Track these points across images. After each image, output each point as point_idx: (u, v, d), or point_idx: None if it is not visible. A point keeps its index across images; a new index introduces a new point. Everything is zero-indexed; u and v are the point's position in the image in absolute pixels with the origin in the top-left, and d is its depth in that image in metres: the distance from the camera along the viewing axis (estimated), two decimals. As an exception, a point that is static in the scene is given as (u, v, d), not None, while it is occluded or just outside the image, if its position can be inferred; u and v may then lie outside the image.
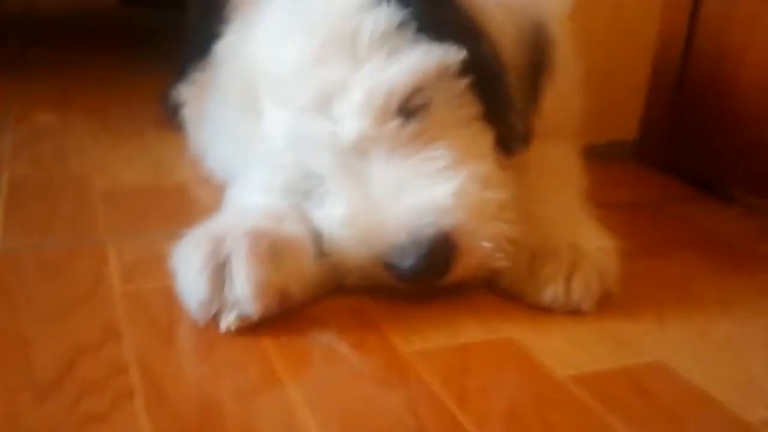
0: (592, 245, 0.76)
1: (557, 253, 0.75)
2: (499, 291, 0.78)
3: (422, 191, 0.70)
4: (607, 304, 0.78)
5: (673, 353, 0.70)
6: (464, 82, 0.74)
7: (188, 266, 0.67)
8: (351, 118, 0.71)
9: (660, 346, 0.71)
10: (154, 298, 0.74)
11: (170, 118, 1.27)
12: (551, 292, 0.75)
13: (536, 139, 0.83)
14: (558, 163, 0.91)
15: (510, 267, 0.75)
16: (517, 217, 0.74)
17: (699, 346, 0.72)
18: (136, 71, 1.76)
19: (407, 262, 0.69)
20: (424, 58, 0.72)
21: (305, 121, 0.73)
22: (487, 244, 0.71)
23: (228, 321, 0.67)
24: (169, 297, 0.74)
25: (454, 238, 0.70)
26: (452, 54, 0.73)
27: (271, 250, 0.68)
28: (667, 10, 1.22)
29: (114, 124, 1.34)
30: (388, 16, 0.72)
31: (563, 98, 0.87)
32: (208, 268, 0.66)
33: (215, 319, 0.68)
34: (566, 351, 0.69)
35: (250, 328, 0.69)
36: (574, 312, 0.75)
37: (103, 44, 2.21)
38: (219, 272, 0.66)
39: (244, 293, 0.65)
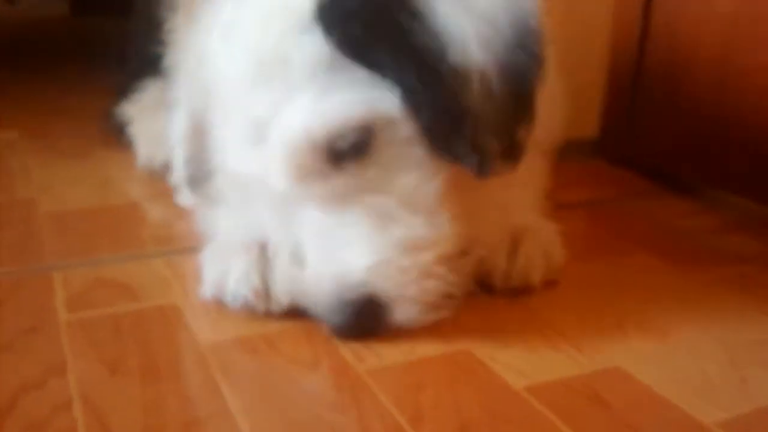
0: (535, 225, 0.78)
1: (497, 225, 0.77)
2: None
3: (345, 259, 0.68)
4: (565, 309, 0.77)
5: (631, 358, 0.70)
6: (407, 122, 0.67)
7: (234, 268, 0.71)
8: (275, 168, 0.67)
9: (618, 352, 0.71)
10: (100, 326, 0.72)
11: (116, 136, 1.25)
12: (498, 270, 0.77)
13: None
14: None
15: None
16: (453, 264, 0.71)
17: (657, 348, 0.72)
18: (87, 84, 1.73)
19: (334, 320, 0.69)
20: (356, 105, 0.65)
21: (240, 158, 0.70)
22: (414, 302, 0.69)
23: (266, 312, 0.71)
24: (116, 324, 0.72)
25: (378, 300, 0.68)
26: (390, 98, 0.65)
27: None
28: (619, 8, 1.22)
29: (61, 143, 1.31)
30: (318, 43, 0.65)
31: (545, 111, 0.78)
32: (256, 270, 0.70)
33: (162, 347, 0.68)
34: (523, 361, 0.68)
35: (196, 354, 0.67)
36: (525, 290, 0.78)
37: (55, 57, 2.17)
38: (263, 273, 0.70)
39: (284, 292, 0.70)
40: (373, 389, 0.63)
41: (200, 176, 0.80)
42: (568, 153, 1.25)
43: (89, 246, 0.90)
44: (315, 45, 0.65)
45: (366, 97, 0.65)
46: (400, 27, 0.64)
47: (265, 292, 0.71)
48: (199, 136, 0.77)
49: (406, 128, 0.67)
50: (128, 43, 1.36)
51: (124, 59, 1.35)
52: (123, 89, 1.28)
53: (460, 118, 0.66)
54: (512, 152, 0.70)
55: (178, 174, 0.81)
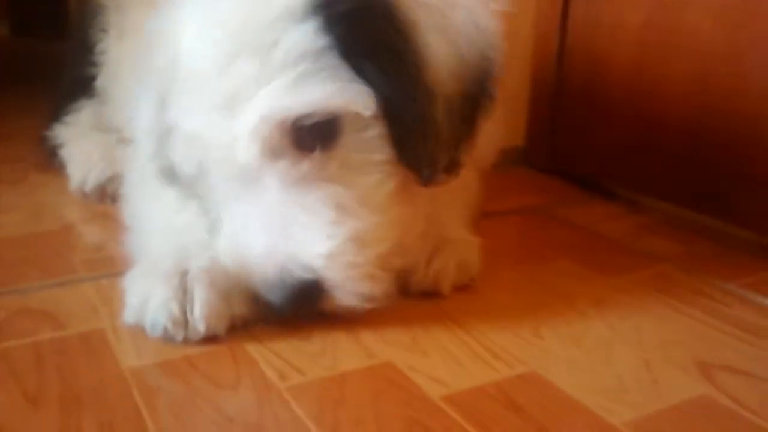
0: (456, 237, 0.84)
1: (423, 235, 0.82)
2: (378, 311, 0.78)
3: (299, 242, 0.71)
4: (485, 316, 0.80)
5: (547, 362, 0.72)
6: (377, 126, 0.72)
7: (154, 297, 0.72)
8: (244, 140, 0.70)
9: (534, 357, 0.73)
10: (22, 356, 0.71)
11: (50, 159, 1.24)
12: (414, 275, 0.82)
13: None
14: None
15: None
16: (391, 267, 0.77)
17: (572, 352, 0.74)
18: (26, 108, 1.71)
19: (274, 299, 0.72)
20: (332, 95, 0.69)
21: (207, 126, 0.71)
22: (352, 294, 0.74)
23: (184, 339, 0.73)
24: (38, 353, 0.72)
25: (321, 285, 0.73)
26: (365, 97, 0.70)
27: (226, 282, 0.73)
28: (539, 21, 1.26)
29: (-6, 169, 1.29)
30: (309, 35, 0.69)
31: (485, 135, 0.86)
32: (175, 299, 0.72)
33: (85, 374, 0.68)
34: (442, 370, 0.70)
35: (118, 380, 0.68)
36: (436, 294, 0.83)
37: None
38: (182, 302, 0.72)
39: (201, 319, 0.72)
40: (293, 407, 0.64)
41: (171, 167, 0.79)
42: (498, 162, 1.29)
43: (18, 274, 0.90)
44: (305, 36, 0.69)
45: (341, 89, 0.69)
46: (387, 41, 0.70)
47: (184, 320, 0.72)
48: (165, 127, 0.77)
49: (372, 131, 0.73)
50: (62, 65, 1.35)
51: (58, 81, 1.35)
52: (57, 112, 1.28)
53: (423, 132, 0.73)
54: (453, 167, 0.78)
55: (149, 167, 0.82)
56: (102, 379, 0.68)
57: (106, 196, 1.13)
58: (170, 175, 0.80)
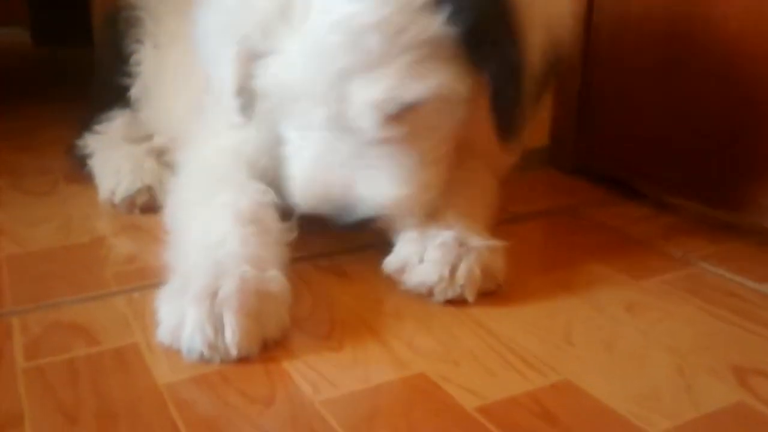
0: (480, 243, 0.85)
1: (446, 245, 0.83)
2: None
3: (378, 184, 0.81)
4: (516, 324, 0.79)
5: (580, 370, 0.71)
6: (464, 105, 0.81)
7: (188, 320, 0.73)
8: (364, 110, 0.77)
9: (567, 364, 0.72)
10: (58, 372, 0.72)
11: (80, 170, 1.26)
12: (436, 277, 0.83)
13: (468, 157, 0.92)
14: (476, 179, 0.95)
15: (401, 252, 0.86)
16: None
17: (604, 359, 0.74)
18: (52, 118, 1.73)
19: (341, 223, 0.82)
20: (449, 84, 0.77)
21: (316, 75, 0.77)
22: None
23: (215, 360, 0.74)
24: (73, 369, 0.73)
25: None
26: (466, 85, 0.79)
27: (257, 303, 0.74)
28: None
29: (24, 181, 1.31)
30: (438, 24, 0.75)
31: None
32: (209, 322, 0.72)
33: (120, 390, 0.69)
34: (475, 380, 0.70)
35: (153, 395, 0.68)
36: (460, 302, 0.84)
37: (17, 88, 2.16)
38: (214, 324, 0.72)
39: (233, 344, 0.72)
40: (328, 421, 0.65)
41: (250, 102, 0.87)
42: (523, 163, 1.28)
43: (49, 288, 0.91)
44: (434, 24, 0.75)
45: (452, 77, 0.78)
46: (505, 30, 0.78)
47: (218, 343, 0.72)
48: (248, 66, 0.83)
49: (455, 108, 0.81)
50: (93, 75, 1.37)
51: (89, 91, 1.36)
52: (87, 121, 1.29)
53: (519, 103, 0.82)
54: (522, 128, 0.86)
55: (230, 104, 0.87)
56: (137, 394, 0.69)
57: (135, 207, 1.14)
58: (249, 107, 0.87)
